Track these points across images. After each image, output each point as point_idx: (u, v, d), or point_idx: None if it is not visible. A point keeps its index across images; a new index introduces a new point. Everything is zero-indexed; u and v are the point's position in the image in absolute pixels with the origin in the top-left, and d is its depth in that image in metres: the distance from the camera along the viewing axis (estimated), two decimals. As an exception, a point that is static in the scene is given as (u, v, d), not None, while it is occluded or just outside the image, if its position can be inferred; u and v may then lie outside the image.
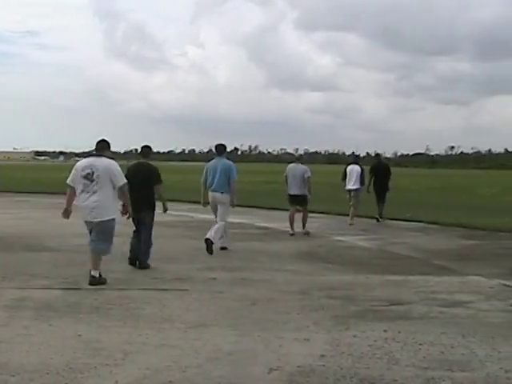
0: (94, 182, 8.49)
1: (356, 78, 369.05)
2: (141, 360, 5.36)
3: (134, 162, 10.95)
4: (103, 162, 8.60)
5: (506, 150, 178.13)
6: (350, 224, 16.77)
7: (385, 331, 6.31)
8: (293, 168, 14.95)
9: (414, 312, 7.24)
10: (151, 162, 10.58)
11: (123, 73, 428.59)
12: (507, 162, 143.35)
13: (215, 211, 12.17)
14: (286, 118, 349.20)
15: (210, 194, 12.08)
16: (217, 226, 11.85)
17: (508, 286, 8.88)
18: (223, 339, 5.99)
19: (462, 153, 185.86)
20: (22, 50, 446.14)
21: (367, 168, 18.30)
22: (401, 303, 7.66)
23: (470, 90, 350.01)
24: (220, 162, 12.03)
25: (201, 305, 7.44)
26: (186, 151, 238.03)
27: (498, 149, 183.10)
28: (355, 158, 18.87)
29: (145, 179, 10.01)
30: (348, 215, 17.27)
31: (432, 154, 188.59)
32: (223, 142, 12.44)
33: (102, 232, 8.63)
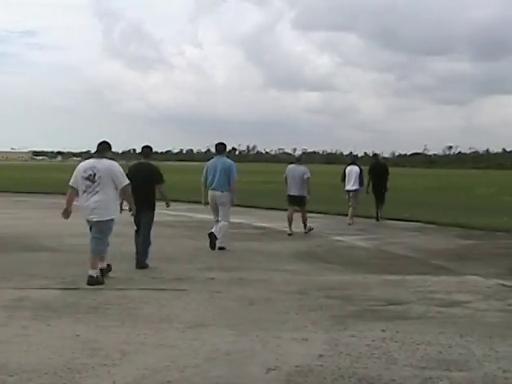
0: (96, 183, 8.61)
1: (354, 77, 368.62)
2: (139, 360, 5.36)
3: (135, 162, 11.01)
4: (104, 163, 8.72)
5: (504, 149, 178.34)
6: (349, 224, 16.82)
7: (383, 331, 6.32)
8: (292, 169, 15.03)
9: (411, 312, 7.25)
10: (152, 162, 10.64)
11: (121, 72, 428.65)
12: (505, 161, 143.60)
13: (215, 210, 12.18)
14: (284, 118, 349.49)
15: (210, 192, 12.09)
16: (220, 225, 11.90)
17: (506, 285, 8.89)
18: (221, 339, 6.00)
19: (459, 153, 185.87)
20: (19, 50, 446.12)
21: (366, 168, 18.34)
22: (399, 303, 7.67)
23: (468, 89, 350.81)
24: (220, 161, 12.06)
25: (199, 305, 7.45)
26: (184, 151, 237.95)
27: (495, 149, 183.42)
28: (354, 159, 18.90)
29: (146, 179, 10.07)
30: (347, 215, 17.33)
31: (430, 153, 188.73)
32: (223, 141, 12.48)
33: (99, 231, 8.75)
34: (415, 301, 7.79)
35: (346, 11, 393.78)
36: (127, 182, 8.84)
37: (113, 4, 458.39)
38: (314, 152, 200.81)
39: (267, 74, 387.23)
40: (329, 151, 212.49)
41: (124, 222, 9.33)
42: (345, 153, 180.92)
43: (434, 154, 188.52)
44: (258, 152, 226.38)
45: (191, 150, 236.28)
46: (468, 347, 5.84)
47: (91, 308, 7.19)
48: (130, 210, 9.27)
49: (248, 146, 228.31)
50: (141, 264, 9.89)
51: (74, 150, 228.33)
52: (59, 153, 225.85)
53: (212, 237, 11.75)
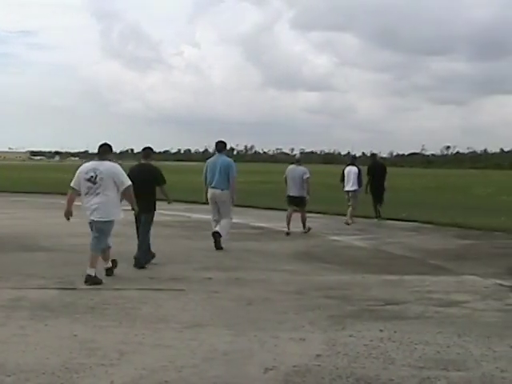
0: (97, 185, 8.76)
1: (352, 77, 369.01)
2: (137, 360, 5.36)
3: (136, 163, 11.09)
4: (106, 165, 8.88)
5: (502, 149, 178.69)
6: (348, 224, 16.84)
7: (381, 331, 6.32)
8: (292, 169, 15.13)
9: (409, 312, 7.25)
10: (152, 163, 10.73)
11: (119, 73, 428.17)
12: (503, 161, 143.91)
13: (214, 208, 12.20)
14: (281, 118, 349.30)
15: (210, 190, 12.12)
16: (222, 223, 11.95)
17: (503, 285, 8.90)
18: (219, 339, 5.99)
19: (457, 153, 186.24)
20: (18, 50, 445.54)
21: (365, 168, 18.37)
22: (396, 303, 7.67)
23: (466, 89, 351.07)
24: (220, 160, 12.10)
25: (196, 305, 7.44)
26: (182, 151, 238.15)
27: (493, 149, 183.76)
28: (352, 159, 18.93)
29: (146, 180, 10.17)
30: (345, 215, 17.36)
31: (428, 153, 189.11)
32: (223, 139, 12.50)
33: (99, 231, 8.86)
34: (413, 301, 7.80)
35: (344, 11, 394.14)
36: (129, 183, 8.97)
37: (111, 4, 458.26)
38: (312, 152, 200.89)
39: (265, 73, 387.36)
40: (327, 151, 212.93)
41: (123, 221, 9.34)
42: (343, 153, 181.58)
43: (432, 154, 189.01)
44: (255, 152, 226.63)
45: (189, 150, 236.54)
46: (466, 347, 5.84)
47: (89, 308, 7.18)
48: (133, 209, 9.35)
49: (246, 146, 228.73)
50: (139, 264, 9.90)
51: (72, 150, 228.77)
52: (57, 153, 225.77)
53: (216, 236, 11.80)
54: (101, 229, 8.84)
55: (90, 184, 8.77)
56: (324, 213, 19.46)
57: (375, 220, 17.83)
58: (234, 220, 12.59)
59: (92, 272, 8.56)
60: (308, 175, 14.92)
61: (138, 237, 10.34)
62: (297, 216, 14.91)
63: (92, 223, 8.89)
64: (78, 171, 9.00)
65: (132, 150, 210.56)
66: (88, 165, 9.04)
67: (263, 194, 27.81)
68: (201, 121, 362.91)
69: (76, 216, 8.95)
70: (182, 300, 7.68)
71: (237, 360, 5.40)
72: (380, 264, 10.68)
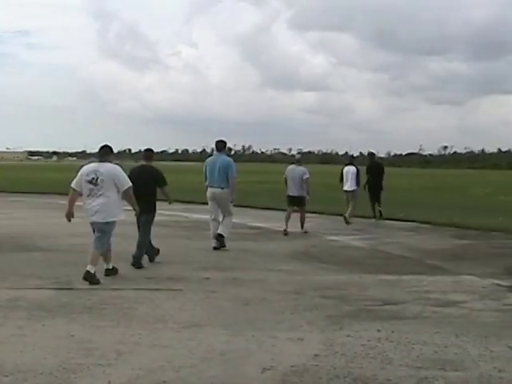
0: (99, 187, 8.85)
1: (349, 77, 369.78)
2: (134, 360, 5.36)
3: (138, 165, 11.13)
4: (107, 166, 8.97)
5: (499, 149, 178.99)
6: (347, 222, 16.86)
7: (378, 331, 6.32)
8: (292, 170, 15.24)
9: (407, 312, 7.25)
10: (153, 165, 10.80)
11: (116, 73, 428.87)
12: (500, 161, 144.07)
13: (213, 208, 12.21)
14: (279, 118, 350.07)
15: (210, 190, 12.16)
16: (225, 221, 12.03)
17: (501, 285, 8.90)
18: (216, 339, 5.99)
19: (455, 153, 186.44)
20: (14, 50, 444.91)
21: (363, 168, 18.37)
22: (394, 303, 7.67)
23: (463, 89, 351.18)
24: (219, 159, 12.13)
25: (194, 305, 7.44)
26: (180, 151, 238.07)
27: (491, 149, 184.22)
28: (351, 159, 18.94)
29: (147, 182, 10.23)
30: (342, 215, 17.38)
31: (425, 153, 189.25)
32: (223, 139, 12.51)
33: (100, 231, 8.94)
34: (411, 301, 7.80)
35: (341, 11, 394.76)
36: (129, 184, 9.05)
37: (108, 5, 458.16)
38: (310, 152, 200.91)
39: (263, 74, 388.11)
40: (324, 151, 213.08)
41: (124, 222, 9.34)
42: (340, 153, 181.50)
43: (430, 154, 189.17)
44: (253, 152, 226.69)
45: (186, 150, 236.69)
46: (463, 347, 5.84)
47: (86, 308, 7.17)
48: (134, 210, 9.39)
49: (243, 146, 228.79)
50: (137, 263, 9.92)
51: (70, 150, 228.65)
52: (54, 153, 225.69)
53: (221, 239, 11.95)
54: (103, 229, 8.91)
55: (91, 186, 8.86)
56: (321, 213, 19.45)
57: (373, 220, 17.84)
58: (232, 220, 12.59)
59: (92, 269, 8.59)
60: (308, 176, 15.03)
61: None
62: (295, 216, 14.92)
63: (94, 224, 8.96)
64: (79, 173, 9.08)
65: (130, 149, 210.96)
66: (89, 166, 9.11)
67: (261, 193, 27.81)
68: (198, 121, 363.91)
69: (75, 216, 9.00)
70: (179, 300, 7.67)
71: (234, 360, 5.40)
72: (378, 264, 10.68)
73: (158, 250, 10.57)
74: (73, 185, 9.07)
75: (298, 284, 8.74)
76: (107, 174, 8.87)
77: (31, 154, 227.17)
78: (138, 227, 10.39)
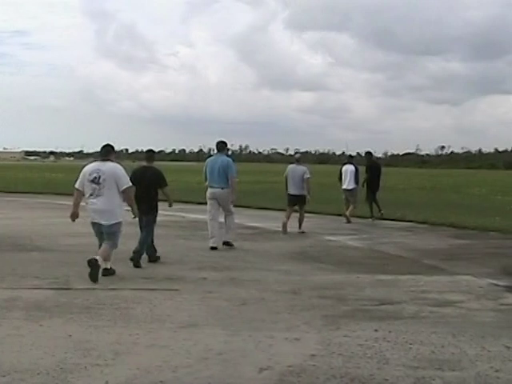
0: (101, 186, 8.91)
1: (346, 77, 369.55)
2: (131, 360, 5.36)
3: (139, 166, 11.13)
4: (108, 166, 9.04)
5: (496, 149, 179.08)
6: (348, 222, 16.90)
7: (375, 331, 6.33)
8: (292, 169, 15.27)
9: (404, 311, 7.26)
10: (154, 166, 10.84)
11: (113, 72, 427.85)
12: (497, 161, 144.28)
13: (213, 207, 12.21)
14: (276, 118, 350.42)
15: (210, 190, 12.21)
16: (228, 223, 12.28)
17: (498, 285, 8.91)
18: (214, 339, 5.99)
19: (452, 153, 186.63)
20: (11, 50, 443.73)
21: (362, 168, 18.40)
22: (391, 303, 7.68)
23: (461, 89, 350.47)
24: (219, 159, 12.20)
25: (191, 305, 7.44)
26: (177, 151, 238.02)
27: (488, 149, 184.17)
28: (349, 158, 18.98)
29: (149, 183, 10.31)
30: (340, 215, 17.44)
31: (422, 153, 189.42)
32: (224, 139, 12.58)
33: (109, 233, 9.06)
34: (408, 300, 7.81)
35: (338, 11, 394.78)
36: (129, 184, 9.09)
37: (106, 4, 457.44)
38: (307, 152, 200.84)
39: (260, 74, 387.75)
40: (321, 151, 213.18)
41: (125, 222, 9.37)
42: (337, 153, 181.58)
43: (427, 154, 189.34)
44: (250, 152, 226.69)
45: (184, 150, 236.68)
46: (460, 347, 5.85)
47: (83, 308, 7.17)
48: (133, 212, 9.44)
49: (241, 146, 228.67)
50: (136, 259, 9.95)
51: (67, 150, 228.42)
52: (52, 153, 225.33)
53: (229, 244, 12.23)
54: (111, 231, 9.02)
55: (94, 185, 8.92)
56: (318, 212, 19.45)
57: (370, 220, 17.86)
58: (235, 220, 12.64)
59: (107, 265, 8.94)
60: (308, 175, 15.07)
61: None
62: (294, 216, 14.95)
63: (98, 226, 9.03)
64: (81, 173, 9.14)
65: (127, 149, 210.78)
66: (91, 166, 9.17)
67: (258, 193, 27.81)
68: (195, 121, 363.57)
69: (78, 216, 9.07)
70: (176, 300, 7.67)
71: (231, 360, 5.40)
72: (375, 264, 10.69)
73: (159, 258, 10.52)
74: (76, 185, 9.14)
75: (295, 284, 8.74)
76: (109, 172, 8.92)
77: (28, 153, 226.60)
78: (140, 228, 10.42)
